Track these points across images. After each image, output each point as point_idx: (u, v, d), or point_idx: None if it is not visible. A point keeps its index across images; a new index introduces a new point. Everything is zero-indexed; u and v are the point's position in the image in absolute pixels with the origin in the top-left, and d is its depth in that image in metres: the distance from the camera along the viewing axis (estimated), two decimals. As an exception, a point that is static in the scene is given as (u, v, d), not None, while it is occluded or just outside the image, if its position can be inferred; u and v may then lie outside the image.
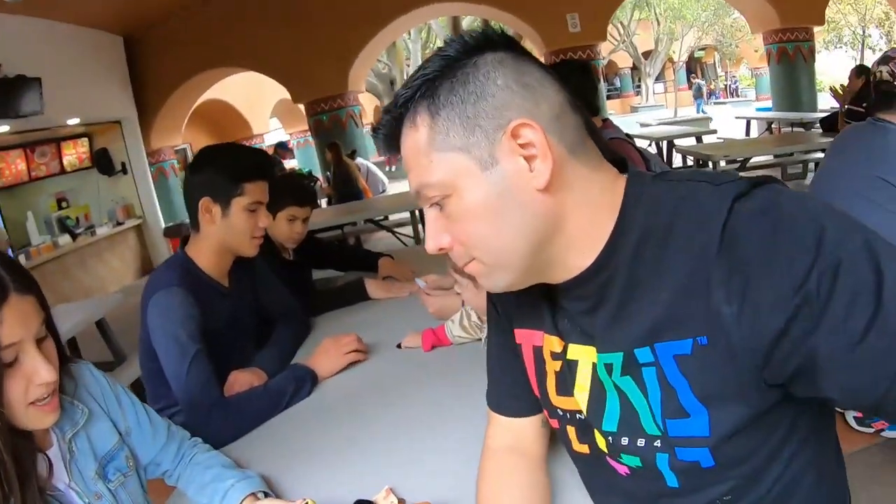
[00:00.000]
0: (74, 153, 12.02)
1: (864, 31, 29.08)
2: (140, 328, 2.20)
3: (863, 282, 0.75)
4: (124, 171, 12.45)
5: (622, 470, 1.06)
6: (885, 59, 2.86)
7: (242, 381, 2.15)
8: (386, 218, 9.02)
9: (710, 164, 8.03)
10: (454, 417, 1.76)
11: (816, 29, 13.00)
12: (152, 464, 1.60)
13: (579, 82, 3.02)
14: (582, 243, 0.95)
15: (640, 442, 0.99)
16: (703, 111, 27.76)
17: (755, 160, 9.48)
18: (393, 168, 21.64)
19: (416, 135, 0.93)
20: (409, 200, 8.05)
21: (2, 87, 8.75)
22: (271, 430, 1.97)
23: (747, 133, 14.41)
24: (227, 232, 2.23)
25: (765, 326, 0.81)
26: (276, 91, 16.14)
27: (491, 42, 0.93)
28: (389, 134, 0.98)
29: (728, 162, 8.42)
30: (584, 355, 1.04)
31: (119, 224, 11.87)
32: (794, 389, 0.85)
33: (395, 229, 8.93)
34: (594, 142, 0.98)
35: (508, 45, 0.94)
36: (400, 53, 23.20)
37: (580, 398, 1.06)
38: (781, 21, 11.93)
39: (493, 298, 1.28)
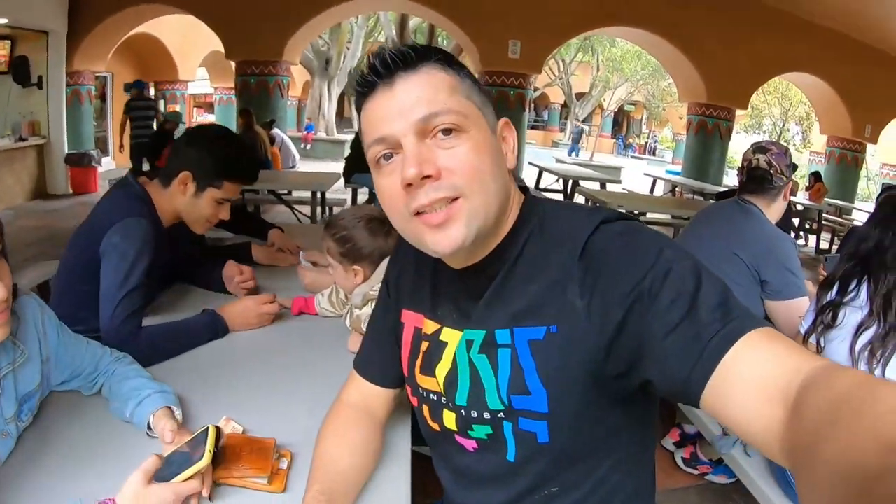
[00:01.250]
0: None
1: (783, 125, 30.35)
2: (70, 249, 2.31)
3: (685, 288, 0.95)
4: (39, 85, 11.91)
5: (470, 445, 1.24)
6: (762, 150, 3.10)
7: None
8: (289, 193, 9.08)
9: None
10: (308, 376, 2.01)
11: (739, 112, 13.95)
12: (65, 382, 1.70)
13: None
14: (498, 232, 1.15)
15: (486, 415, 1.16)
16: (576, 154, 28.33)
17: (651, 216, 9.89)
18: (308, 146, 21.56)
19: (444, 75, 1.09)
20: (315, 180, 8.16)
21: (-71, -32, 8.27)
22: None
23: (651, 190, 14.99)
24: (190, 208, 2.38)
25: (608, 319, 1.00)
26: (210, 41, 15.76)
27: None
28: (402, 58, 1.08)
29: (627, 212, 8.66)
30: (453, 339, 1.22)
31: (21, 140, 11.38)
32: (629, 379, 1.03)
33: (295, 206, 8.97)
34: None
35: None
36: (343, 35, 23.03)
37: (440, 375, 1.24)
38: (708, 97, 12.78)
39: (388, 281, 1.47)
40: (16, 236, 7.37)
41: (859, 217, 13.25)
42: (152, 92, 18.76)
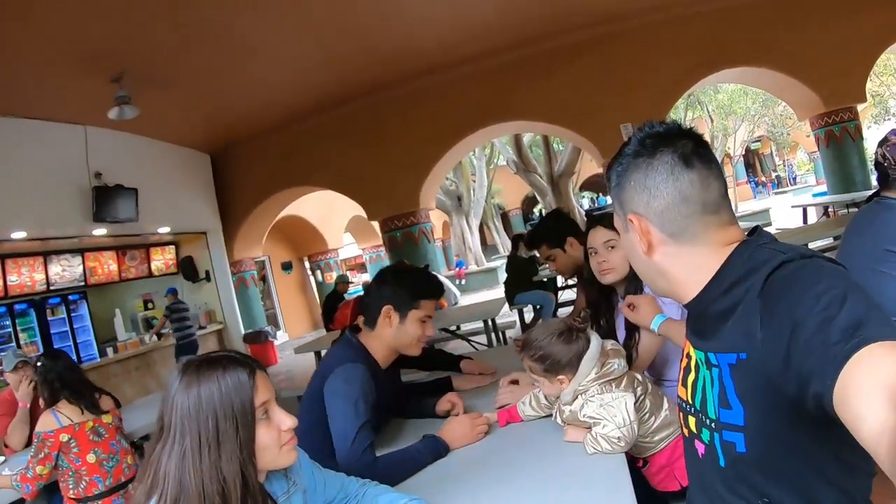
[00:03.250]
0: (162, 259, 13.13)
1: (909, 101, 27.56)
2: (305, 400, 2.72)
3: (829, 312, 1.05)
4: (207, 278, 13.42)
5: (701, 450, 1.42)
6: (882, 142, 3.01)
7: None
8: (459, 328, 9.41)
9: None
10: (528, 470, 2.26)
11: (861, 106, 12.95)
12: None
13: (554, 227, 3.76)
14: (684, 285, 1.42)
15: (708, 421, 1.36)
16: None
17: (813, 245, 9.45)
18: (463, 282, 22.08)
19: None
20: (481, 310, 8.48)
21: (102, 195, 9.83)
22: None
23: (804, 221, 14.44)
24: (400, 335, 2.80)
25: (777, 348, 1.12)
26: (349, 208, 17.06)
27: (647, 147, 1.41)
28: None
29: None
30: (694, 355, 1.45)
31: (201, 328, 12.71)
32: (806, 401, 1.08)
33: (470, 337, 9.37)
34: (720, 217, 1.39)
35: (666, 142, 1.39)
36: (466, 170, 24.15)
37: (689, 384, 1.46)
38: (825, 105, 11.99)
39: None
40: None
41: None
42: (307, 265, 20.08)
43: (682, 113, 26.87)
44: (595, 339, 2.36)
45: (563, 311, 11.04)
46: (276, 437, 1.61)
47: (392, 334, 2.80)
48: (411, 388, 3.51)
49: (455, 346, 10.07)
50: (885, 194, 3.05)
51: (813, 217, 14.40)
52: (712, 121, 28.39)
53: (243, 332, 13.51)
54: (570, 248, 3.66)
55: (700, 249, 1.38)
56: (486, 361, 3.80)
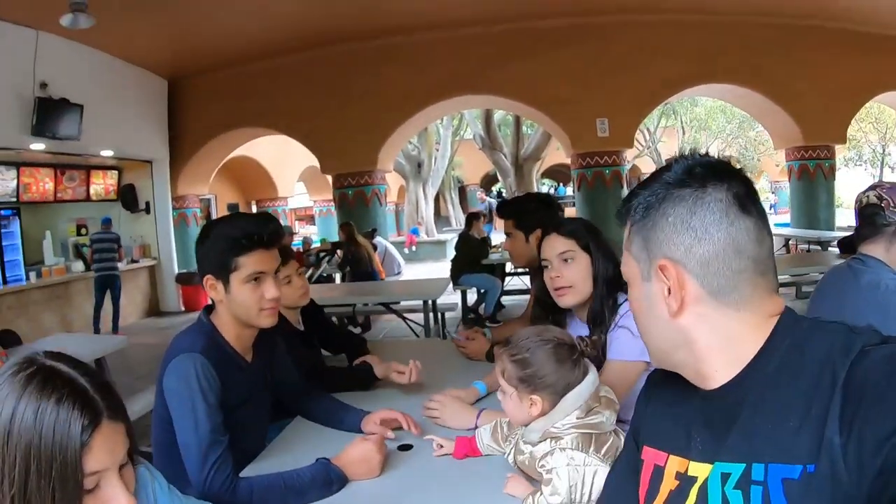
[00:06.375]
0: (102, 184, 12.41)
1: (883, 150, 28.88)
2: (155, 397, 2.15)
3: None
4: (147, 210, 12.82)
5: None
6: (873, 187, 2.72)
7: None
8: (397, 302, 8.81)
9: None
10: None
11: (837, 147, 13.15)
12: None
13: (533, 211, 3.39)
14: (714, 361, 1.10)
15: None
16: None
17: None
18: (414, 249, 21.80)
19: (625, 231, 1.20)
20: (423, 289, 7.80)
21: (45, 107, 9.12)
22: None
23: None
24: (235, 308, 2.16)
25: (866, 463, 0.87)
26: (305, 157, 16.47)
27: (696, 177, 1.09)
28: (620, 218, 1.21)
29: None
30: (703, 472, 1.10)
31: (134, 262, 12.21)
32: None
33: (406, 315, 8.64)
34: (767, 280, 1.10)
35: (719, 177, 1.09)
36: (430, 138, 23.64)
37: None
38: (805, 139, 12.17)
39: (635, 420, 1.37)
40: (131, 354, 7.78)
41: None
42: (255, 209, 19.53)
43: (655, 120, 26.92)
44: (593, 375, 1.88)
45: (508, 299, 11.07)
46: None
47: (228, 309, 2.17)
48: (329, 374, 3.01)
49: (389, 320, 9.90)
50: (864, 250, 2.70)
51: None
52: (684, 132, 28.57)
53: (177, 271, 12.98)
54: (533, 241, 3.25)
55: (744, 316, 1.08)
56: (414, 357, 3.25)
